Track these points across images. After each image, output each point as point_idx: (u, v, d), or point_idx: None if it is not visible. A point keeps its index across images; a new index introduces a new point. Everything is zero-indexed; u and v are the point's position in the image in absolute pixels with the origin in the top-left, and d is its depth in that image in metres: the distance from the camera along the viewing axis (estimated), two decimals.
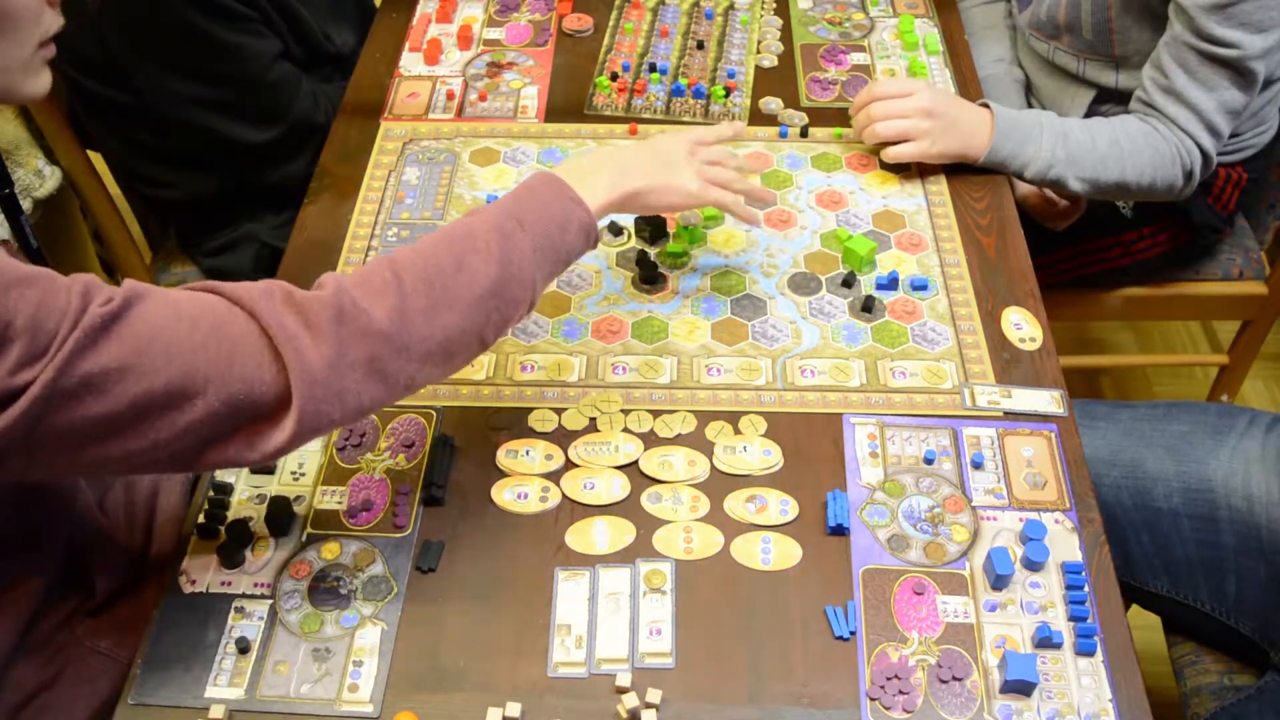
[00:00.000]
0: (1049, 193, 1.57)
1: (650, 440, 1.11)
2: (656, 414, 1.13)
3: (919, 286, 1.25)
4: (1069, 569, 1.00)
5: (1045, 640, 0.95)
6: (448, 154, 1.43)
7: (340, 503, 1.06)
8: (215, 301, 0.83)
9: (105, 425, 0.78)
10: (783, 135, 1.46)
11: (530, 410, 1.13)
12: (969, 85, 1.55)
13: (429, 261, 0.91)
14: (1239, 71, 1.39)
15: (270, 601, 0.99)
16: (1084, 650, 0.95)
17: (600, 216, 1.04)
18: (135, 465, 0.82)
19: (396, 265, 0.90)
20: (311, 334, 0.83)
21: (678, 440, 1.11)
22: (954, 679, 0.93)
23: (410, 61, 1.59)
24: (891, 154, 1.38)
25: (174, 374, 0.78)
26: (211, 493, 1.06)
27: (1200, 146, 1.43)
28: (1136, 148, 1.42)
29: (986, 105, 1.40)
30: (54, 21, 0.93)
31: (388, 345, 0.86)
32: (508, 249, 0.94)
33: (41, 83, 0.94)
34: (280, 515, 1.03)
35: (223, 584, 1.00)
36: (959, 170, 1.40)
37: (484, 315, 0.92)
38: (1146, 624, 1.33)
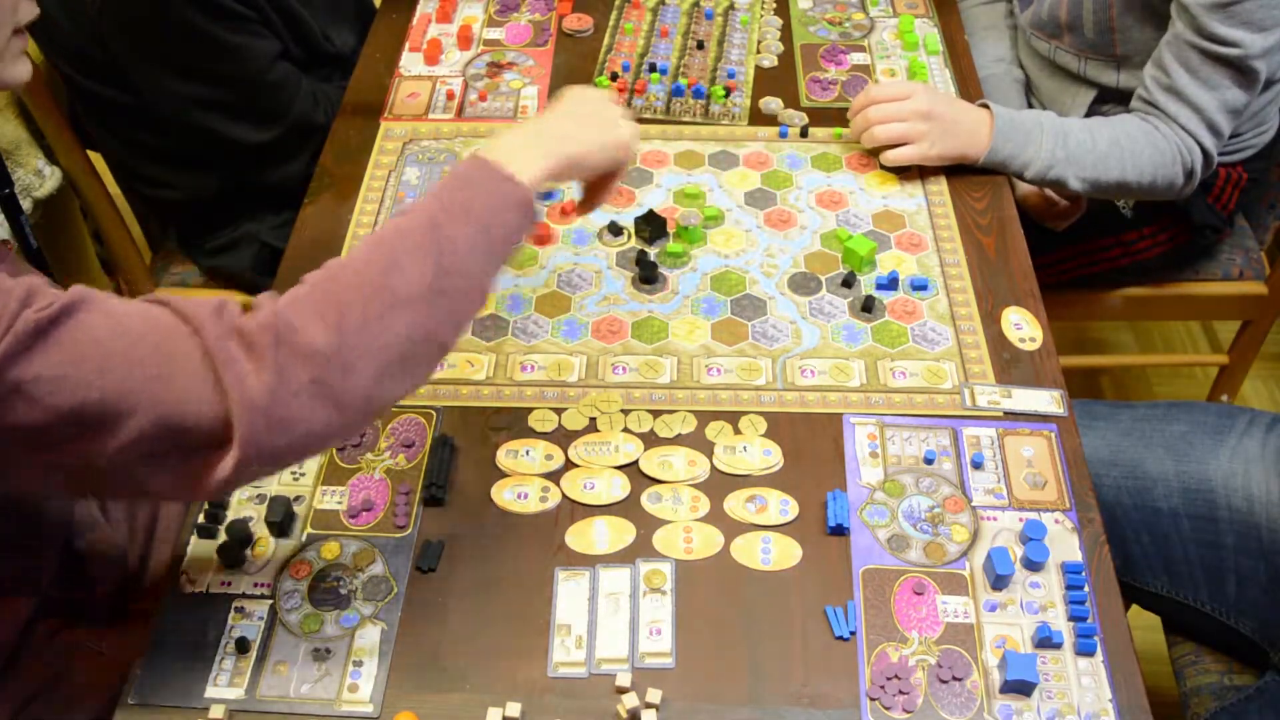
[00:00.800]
0: (1049, 192, 1.57)
1: (650, 440, 1.11)
2: (656, 414, 1.13)
3: (919, 286, 1.25)
4: (1069, 569, 1.00)
5: (1045, 640, 0.95)
6: (448, 154, 1.43)
7: (340, 503, 1.06)
8: (162, 316, 0.79)
9: (36, 437, 0.74)
10: (783, 135, 1.46)
11: (530, 410, 1.13)
12: (969, 85, 1.55)
13: (362, 271, 0.85)
14: (1241, 70, 1.39)
15: (270, 601, 0.99)
16: (1084, 650, 0.95)
17: (538, 188, 0.96)
18: (77, 485, 0.78)
19: (330, 278, 0.84)
20: (253, 359, 0.78)
21: (678, 440, 1.11)
22: (954, 679, 0.93)
23: (410, 61, 1.59)
24: (891, 157, 1.38)
25: (108, 388, 0.74)
26: None
27: (1201, 145, 1.43)
28: (1137, 147, 1.42)
29: (986, 106, 1.40)
30: (29, 10, 0.94)
31: (330, 365, 0.80)
32: (440, 242, 0.87)
33: (20, 70, 0.95)
34: (280, 515, 1.03)
35: (223, 584, 1.00)
36: (959, 170, 1.40)
37: (430, 315, 0.86)
38: (1146, 624, 1.33)
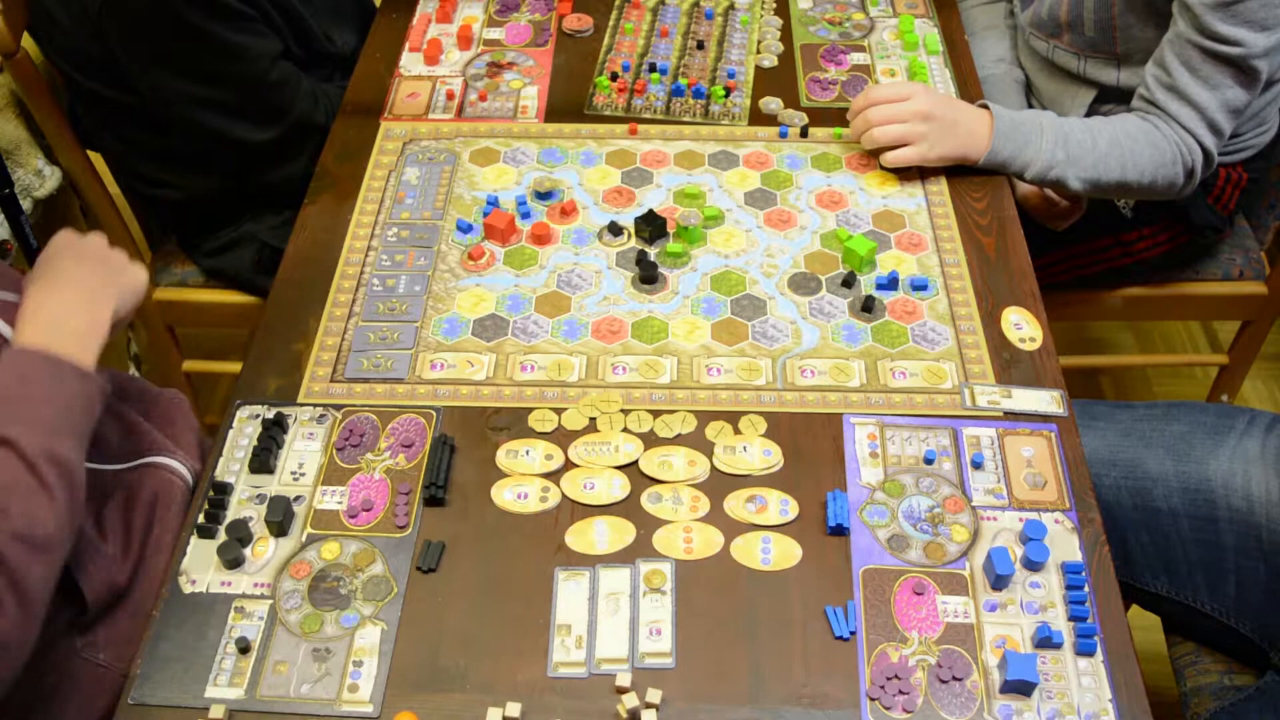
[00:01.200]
0: (1049, 192, 1.57)
1: (650, 440, 1.11)
2: (656, 414, 1.13)
3: (919, 286, 1.25)
4: (1069, 569, 1.00)
5: (1045, 640, 0.95)
6: (448, 154, 1.43)
7: (340, 503, 1.06)
8: None
9: None
10: (783, 135, 1.46)
11: (530, 410, 1.13)
12: (969, 85, 1.55)
13: (11, 538, 0.86)
14: (1242, 70, 1.39)
15: (270, 601, 0.99)
16: (1084, 650, 0.95)
17: (95, 359, 0.99)
18: None
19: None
20: None
21: (678, 440, 1.11)
22: (954, 679, 0.93)
23: (410, 61, 1.59)
24: (891, 158, 1.38)
25: None
26: (211, 493, 1.06)
27: (1202, 145, 1.43)
28: (1137, 147, 1.42)
29: (986, 106, 1.40)
30: None
31: (20, 633, 0.85)
32: (54, 472, 0.90)
33: None
34: (280, 515, 1.03)
35: (223, 584, 1.00)
36: (959, 170, 1.40)
37: (67, 533, 0.91)
38: (1146, 624, 1.33)
